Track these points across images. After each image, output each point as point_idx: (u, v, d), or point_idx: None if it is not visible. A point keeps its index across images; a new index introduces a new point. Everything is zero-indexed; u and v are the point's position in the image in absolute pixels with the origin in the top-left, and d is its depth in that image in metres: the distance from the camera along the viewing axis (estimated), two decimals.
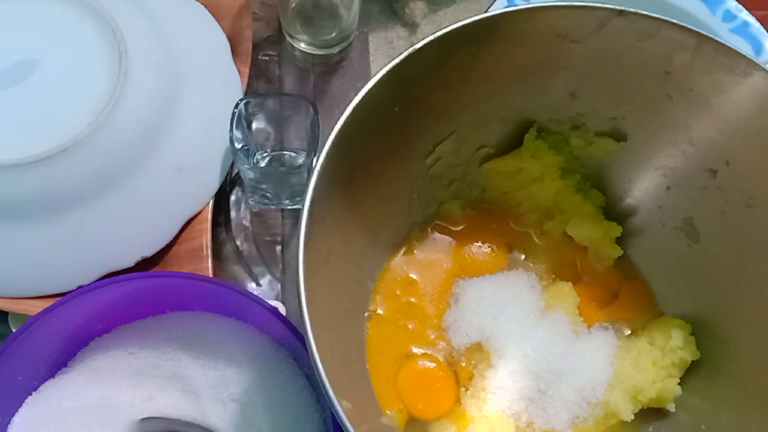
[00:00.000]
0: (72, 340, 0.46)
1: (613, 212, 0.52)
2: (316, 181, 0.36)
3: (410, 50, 0.38)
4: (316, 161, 0.37)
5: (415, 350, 0.49)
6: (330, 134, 0.37)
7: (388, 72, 0.38)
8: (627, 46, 0.42)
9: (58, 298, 0.49)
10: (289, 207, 0.58)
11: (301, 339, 0.45)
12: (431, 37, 0.39)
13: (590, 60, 0.43)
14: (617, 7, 0.40)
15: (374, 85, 0.38)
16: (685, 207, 0.48)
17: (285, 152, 0.58)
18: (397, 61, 0.38)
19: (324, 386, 0.34)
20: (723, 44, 0.40)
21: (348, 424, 0.34)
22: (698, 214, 0.48)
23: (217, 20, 0.58)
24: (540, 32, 0.41)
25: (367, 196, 0.46)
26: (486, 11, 0.60)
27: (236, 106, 0.51)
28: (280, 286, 0.56)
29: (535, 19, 0.41)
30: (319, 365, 0.34)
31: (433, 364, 0.49)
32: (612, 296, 0.52)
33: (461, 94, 0.45)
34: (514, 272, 0.52)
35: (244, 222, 0.58)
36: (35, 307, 0.49)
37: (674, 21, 0.40)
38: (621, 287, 0.52)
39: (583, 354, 0.49)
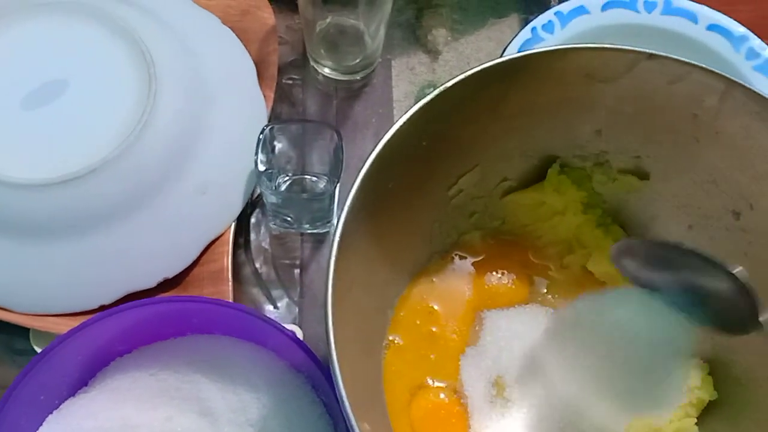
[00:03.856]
0: (94, 361, 0.47)
1: None
2: (347, 214, 0.37)
3: (443, 87, 0.39)
4: (348, 193, 0.37)
5: (430, 382, 0.49)
6: (362, 167, 0.38)
7: (421, 107, 0.39)
8: (655, 87, 0.42)
9: (80, 317, 0.50)
10: (309, 231, 0.58)
11: (320, 365, 0.45)
12: (464, 75, 0.39)
13: (618, 100, 0.44)
14: (647, 50, 0.41)
15: (405, 121, 0.38)
16: (707, 247, 0.48)
17: (306, 176, 0.59)
18: (430, 97, 0.39)
19: (345, 409, 0.34)
20: (752, 90, 0.40)
21: None
22: (720, 254, 0.48)
23: (244, 44, 0.59)
24: (570, 72, 0.42)
25: (391, 226, 0.46)
26: (509, 42, 0.62)
27: (262, 132, 0.51)
28: (297, 310, 0.56)
29: (567, 59, 0.41)
30: (342, 389, 0.34)
31: (448, 399, 0.49)
32: None
33: (488, 128, 0.45)
34: (531, 306, 0.52)
35: (263, 244, 0.58)
36: (57, 325, 0.50)
37: (703, 66, 0.41)
38: None
39: None
